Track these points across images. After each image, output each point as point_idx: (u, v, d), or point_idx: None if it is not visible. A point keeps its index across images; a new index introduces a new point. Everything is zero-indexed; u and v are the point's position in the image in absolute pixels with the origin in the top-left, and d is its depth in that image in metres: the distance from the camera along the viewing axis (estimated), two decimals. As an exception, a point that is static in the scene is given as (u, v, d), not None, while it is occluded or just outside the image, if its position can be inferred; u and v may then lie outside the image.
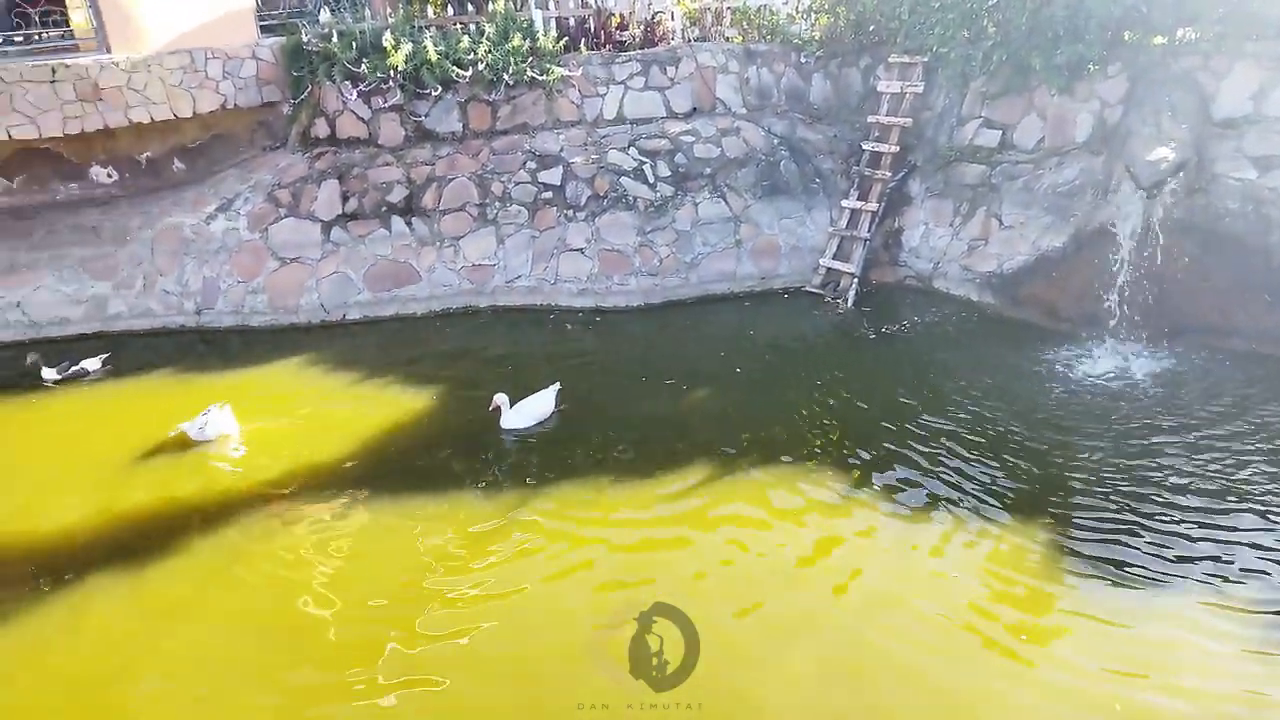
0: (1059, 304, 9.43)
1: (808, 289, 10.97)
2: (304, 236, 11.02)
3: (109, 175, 11.26)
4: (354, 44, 11.33)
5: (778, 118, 12.16)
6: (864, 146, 11.39)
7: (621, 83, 11.97)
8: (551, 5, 12.54)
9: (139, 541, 6.55)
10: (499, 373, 9.05)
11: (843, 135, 11.94)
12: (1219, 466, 6.73)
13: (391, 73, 11.19)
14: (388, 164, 11.43)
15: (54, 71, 9.97)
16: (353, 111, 11.58)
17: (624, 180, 11.25)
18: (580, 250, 10.97)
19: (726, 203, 11.30)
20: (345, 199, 11.17)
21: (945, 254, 10.69)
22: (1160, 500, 6.39)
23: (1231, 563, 5.73)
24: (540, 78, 11.52)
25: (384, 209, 11.16)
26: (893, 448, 7.31)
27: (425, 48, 11.19)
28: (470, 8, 12.41)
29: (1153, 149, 8.59)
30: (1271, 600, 5.39)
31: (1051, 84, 9.93)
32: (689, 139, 11.65)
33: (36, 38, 11.86)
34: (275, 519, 6.75)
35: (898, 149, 11.08)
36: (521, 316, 10.72)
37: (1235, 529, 6.04)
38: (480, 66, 11.37)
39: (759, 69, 12.27)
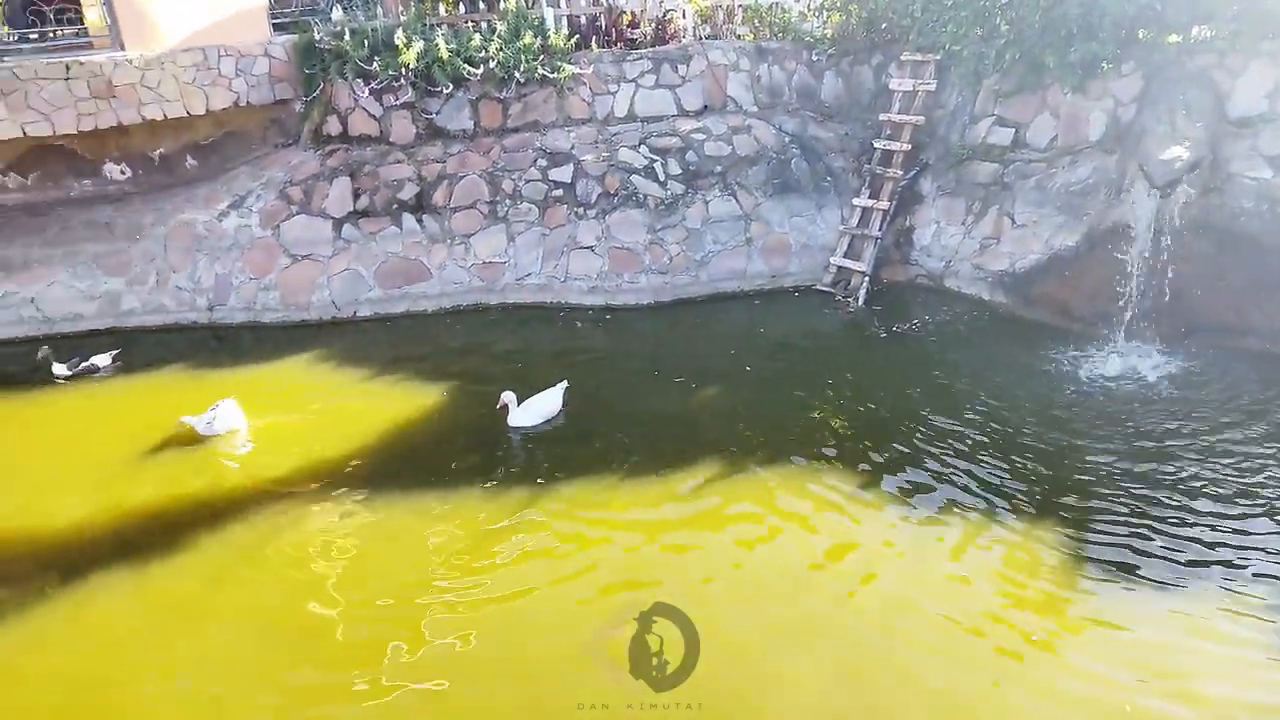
0: (1072, 303, 9.35)
1: (818, 287, 10.92)
2: (315, 233, 11.04)
3: (122, 172, 11.31)
4: (366, 42, 11.34)
5: (789, 116, 12.10)
6: (875, 144, 11.32)
7: (633, 80, 11.94)
8: (563, 3, 12.50)
9: (144, 538, 6.55)
10: (508, 369, 9.04)
11: (854, 133, 11.88)
12: (1234, 469, 6.66)
13: (403, 70, 11.19)
14: (399, 161, 11.43)
15: (68, 69, 10.00)
16: (364, 109, 11.59)
17: (634, 178, 11.23)
18: (590, 248, 10.96)
19: (737, 201, 11.26)
20: (357, 196, 11.18)
21: (957, 253, 10.63)
22: (1174, 503, 6.33)
23: (1245, 567, 5.67)
24: (551, 75, 11.51)
25: (395, 206, 11.17)
26: (903, 448, 7.27)
27: (437, 45, 11.20)
28: (482, 5, 12.39)
29: (1167, 148, 8.49)
30: (1286, 605, 5.32)
31: (1065, 82, 9.84)
32: (700, 137, 11.61)
33: (51, 35, 11.93)
34: (282, 516, 6.75)
35: (910, 147, 11.01)
36: (531, 314, 10.71)
37: (1249, 533, 5.97)
38: (491, 64, 11.36)
39: (770, 67, 12.21)
